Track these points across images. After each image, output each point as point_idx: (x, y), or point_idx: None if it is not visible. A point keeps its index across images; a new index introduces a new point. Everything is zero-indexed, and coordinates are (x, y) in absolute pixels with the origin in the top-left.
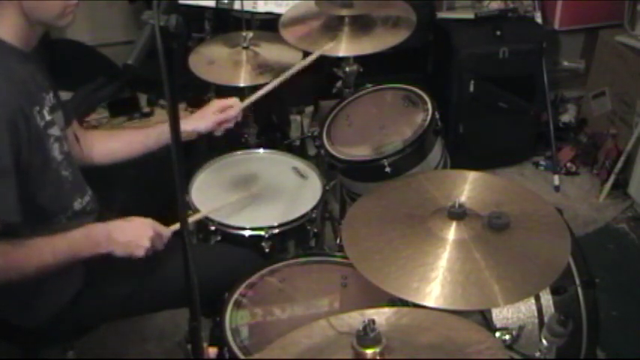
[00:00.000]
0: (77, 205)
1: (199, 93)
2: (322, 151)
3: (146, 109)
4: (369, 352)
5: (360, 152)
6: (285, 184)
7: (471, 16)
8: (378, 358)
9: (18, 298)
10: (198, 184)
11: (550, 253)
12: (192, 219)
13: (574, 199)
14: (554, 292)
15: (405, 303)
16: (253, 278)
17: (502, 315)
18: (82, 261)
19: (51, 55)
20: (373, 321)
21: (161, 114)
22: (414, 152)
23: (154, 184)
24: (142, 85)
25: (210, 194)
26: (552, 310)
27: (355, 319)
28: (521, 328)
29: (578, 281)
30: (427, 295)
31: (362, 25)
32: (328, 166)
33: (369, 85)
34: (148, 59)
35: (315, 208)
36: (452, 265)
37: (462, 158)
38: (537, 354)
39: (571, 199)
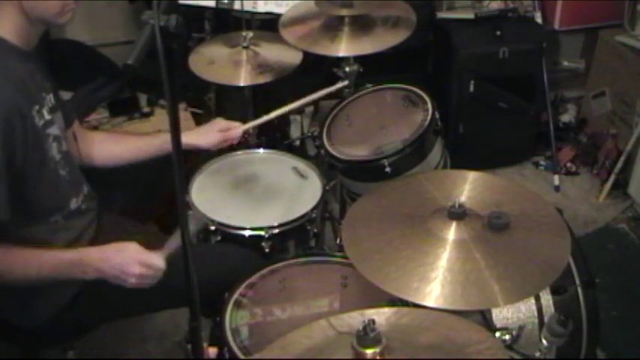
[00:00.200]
0: (73, 204)
1: (199, 93)
2: (322, 151)
3: (146, 109)
4: (369, 352)
5: (360, 152)
6: (285, 184)
7: (471, 16)
8: (378, 358)
9: (17, 298)
10: (198, 184)
11: (550, 253)
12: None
13: (574, 199)
14: (554, 292)
15: (405, 303)
16: (253, 278)
17: (502, 315)
18: None
19: (51, 55)
20: (373, 321)
21: (161, 114)
22: (414, 152)
23: (153, 184)
24: (142, 85)
25: (210, 194)
26: (552, 310)
27: (355, 319)
28: (521, 328)
29: (578, 281)
30: (427, 295)
31: (362, 25)
32: (328, 166)
33: (369, 85)
34: (148, 59)
35: (315, 208)
36: (452, 265)
37: (462, 158)
38: (537, 354)
39: (571, 199)
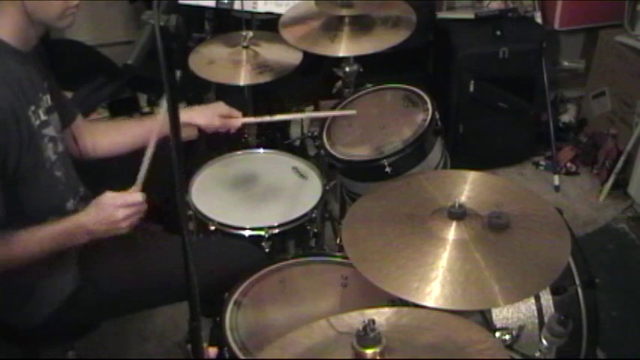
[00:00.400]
0: (70, 205)
1: (199, 93)
2: (322, 151)
3: (146, 109)
4: (369, 352)
5: (360, 152)
6: (285, 184)
7: (470, 16)
8: (378, 358)
9: (14, 298)
10: (198, 184)
11: (550, 253)
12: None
13: (574, 199)
14: (554, 292)
15: (405, 303)
16: (253, 278)
17: (502, 315)
18: (74, 260)
19: (51, 55)
20: (373, 321)
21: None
22: (414, 152)
23: (153, 184)
24: (142, 85)
25: (210, 194)
26: (552, 310)
27: (355, 319)
28: (521, 328)
29: (578, 281)
30: (427, 295)
31: (362, 25)
32: (328, 166)
33: (369, 85)
34: (148, 59)
35: (315, 208)
36: (452, 265)
37: (462, 158)
38: (537, 354)
39: (571, 199)
